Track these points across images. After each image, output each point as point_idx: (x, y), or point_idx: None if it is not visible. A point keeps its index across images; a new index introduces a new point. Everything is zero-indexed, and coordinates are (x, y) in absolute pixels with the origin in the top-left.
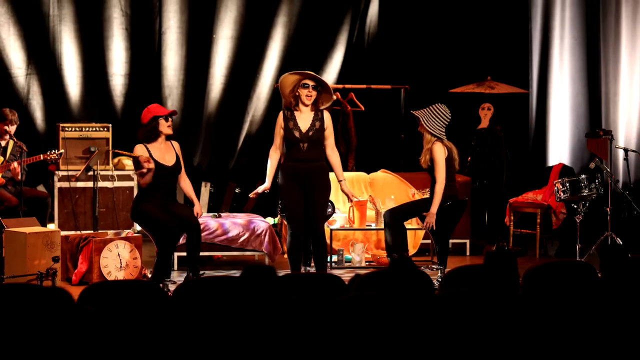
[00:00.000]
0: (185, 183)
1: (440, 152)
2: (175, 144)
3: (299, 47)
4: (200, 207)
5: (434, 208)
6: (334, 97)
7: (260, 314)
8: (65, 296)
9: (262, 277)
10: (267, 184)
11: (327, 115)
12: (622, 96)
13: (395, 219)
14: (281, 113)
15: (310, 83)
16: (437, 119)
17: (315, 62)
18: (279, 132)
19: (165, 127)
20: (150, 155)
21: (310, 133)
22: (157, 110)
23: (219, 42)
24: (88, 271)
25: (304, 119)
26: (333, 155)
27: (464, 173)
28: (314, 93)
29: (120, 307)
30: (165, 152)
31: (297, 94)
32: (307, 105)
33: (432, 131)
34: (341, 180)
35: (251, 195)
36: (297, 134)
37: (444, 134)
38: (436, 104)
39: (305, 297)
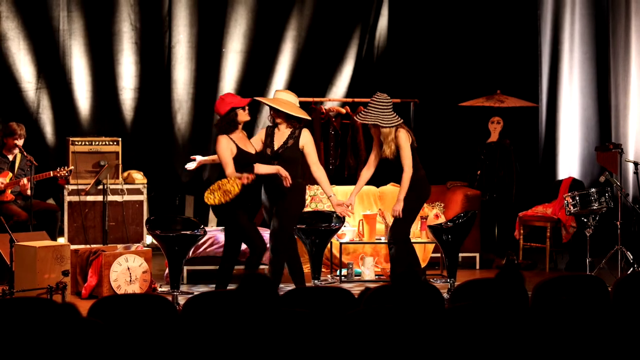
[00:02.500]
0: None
1: (405, 138)
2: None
3: (309, 61)
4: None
5: (402, 195)
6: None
7: (268, 325)
8: (73, 310)
9: (259, 287)
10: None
11: (304, 134)
12: (632, 109)
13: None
14: (264, 129)
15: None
16: (384, 110)
17: (325, 76)
18: (257, 141)
19: (244, 116)
20: (237, 146)
21: (281, 150)
22: (233, 101)
23: (229, 56)
24: (98, 285)
25: (280, 136)
26: (318, 171)
27: (473, 186)
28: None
29: (130, 321)
30: (245, 140)
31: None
32: (285, 123)
33: (389, 124)
34: (330, 196)
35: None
36: (268, 151)
37: (399, 119)
38: (373, 97)
39: (314, 310)
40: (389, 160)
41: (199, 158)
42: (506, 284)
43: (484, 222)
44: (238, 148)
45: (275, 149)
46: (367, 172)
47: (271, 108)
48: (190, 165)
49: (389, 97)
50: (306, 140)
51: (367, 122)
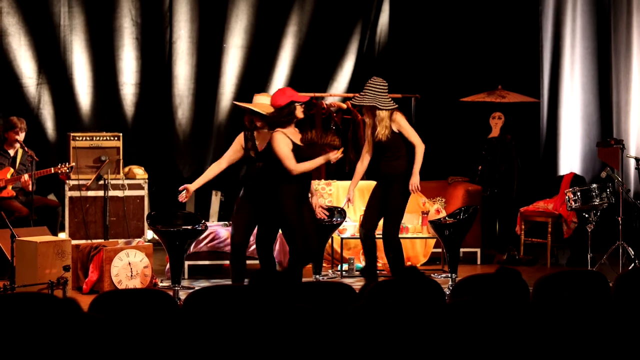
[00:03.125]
0: None
1: (404, 119)
2: None
3: (310, 56)
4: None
5: (418, 167)
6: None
7: (269, 320)
8: (74, 305)
9: (271, 281)
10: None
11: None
12: (634, 105)
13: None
14: (242, 133)
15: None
16: (381, 93)
17: (326, 71)
18: (238, 149)
19: (300, 112)
20: (292, 141)
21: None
22: (293, 95)
23: (230, 51)
24: (99, 280)
25: (262, 139)
26: None
27: (474, 182)
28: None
29: (131, 316)
30: (297, 135)
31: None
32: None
33: (386, 107)
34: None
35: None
36: (252, 153)
37: (395, 104)
38: (369, 81)
39: (315, 305)
40: (381, 144)
41: (191, 187)
42: (506, 279)
43: (485, 218)
44: (293, 143)
45: (259, 150)
46: (361, 165)
47: (251, 112)
48: (182, 197)
49: (385, 81)
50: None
51: (364, 104)
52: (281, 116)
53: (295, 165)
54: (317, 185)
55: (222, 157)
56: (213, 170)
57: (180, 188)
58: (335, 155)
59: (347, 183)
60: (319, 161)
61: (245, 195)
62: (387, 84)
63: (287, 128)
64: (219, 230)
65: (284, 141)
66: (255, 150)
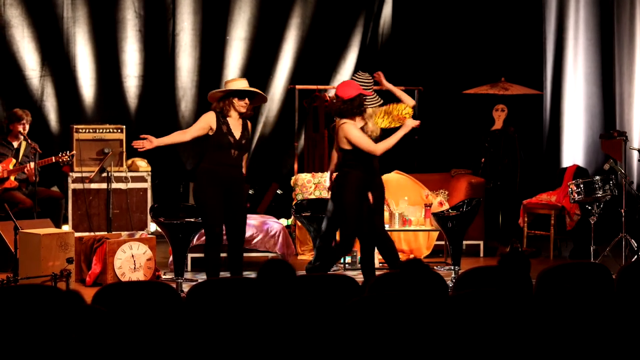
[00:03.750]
0: None
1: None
2: None
3: (313, 48)
4: None
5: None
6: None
7: (277, 311)
8: (78, 298)
9: (280, 273)
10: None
11: (250, 126)
12: (637, 97)
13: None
14: (213, 113)
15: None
16: (366, 89)
17: (329, 64)
18: (203, 127)
19: (241, 107)
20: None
21: (244, 141)
22: (360, 87)
23: (233, 43)
24: (102, 272)
25: (236, 126)
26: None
27: (477, 174)
28: (249, 102)
29: (134, 308)
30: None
31: (232, 101)
32: (240, 115)
33: (372, 104)
34: None
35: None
36: (231, 139)
37: (380, 99)
38: (354, 77)
39: (318, 298)
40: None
41: (154, 141)
42: (510, 271)
43: (488, 210)
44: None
45: (237, 138)
46: (335, 152)
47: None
48: (139, 144)
49: (370, 77)
50: (250, 129)
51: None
52: (353, 107)
53: (376, 146)
54: (319, 178)
55: (187, 131)
56: (177, 137)
57: (142, 136)
58: (414, 123)
59: None
60: (399, 134)
61: (212, 180)
62: (372, 79)
63: (354, 119)
64: None
65: (355, 128)
66: (233, 137)
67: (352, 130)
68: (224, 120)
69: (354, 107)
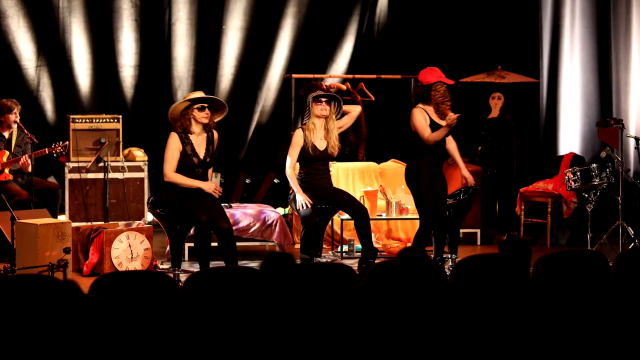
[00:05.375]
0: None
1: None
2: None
3: (309, 37)
4: None
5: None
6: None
7: (276, 299)
8: (75, 288)
9: (282, 265)
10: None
11: (216, 136)
12: (633, 85)
13: None
14: (176, 135)
15: (206, 104)
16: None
17: (325, 52)
18: (176, 152)
19: (202, 118)
20: (429, 117)
21: (208, 159)
22: (442, 76)
23: (229, 32)
24: (99, 262)
25: (200, 143)
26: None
27: (474, 162)
28: (209, 113)
29: (131, 298)
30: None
31: (191, 116)
32: (202, 127)
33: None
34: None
35: None
36: (195, 160)
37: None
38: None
39: (316, 286)
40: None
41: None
42: (510, 258)
43: (485, 198)
44: (431, 119)
45: (201, 158)
46: None
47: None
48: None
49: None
50: (218, 142)
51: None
52: (423, 93)
53: (428, 136)
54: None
55: (169, 164)
56: (184, 179)
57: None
58: (454, 116)
59: (346, 164)
60: (444, 129)
61: (180, 194)
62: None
63: (428, 106)
64: None
65: (422, 115)
66: (197, 157)
67: (416, 116)
68: (187, 140)
69: (425, 93)
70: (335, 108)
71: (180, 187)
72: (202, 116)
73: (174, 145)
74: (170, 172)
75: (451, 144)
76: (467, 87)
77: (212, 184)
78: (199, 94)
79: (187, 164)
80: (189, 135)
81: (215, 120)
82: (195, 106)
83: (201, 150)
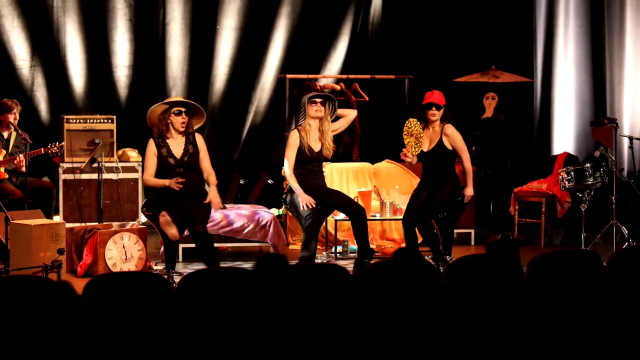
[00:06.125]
0: None
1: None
2: None
3: (303, 37)
4: None
5: None
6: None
7: (273, 303)
8: (69, 288)
9: (276, 266)
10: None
11: (199, 138)
12: (627, 84)
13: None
14: (152, 140)
15: (182, 109)
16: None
17: (319, 53)
18: (152, 158)
19: (179, 125)
20: None
21: (186, 159)
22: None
23: (223, 33)
24: (93, 263)
25: (177, 145)
26: (210, 176)
27: None
28: (187, 119)
29: (125, 299)
30: None
31: (169, 121)
32: (180, 132)
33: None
34: (211, 185)
35: None
36: (172, 161)
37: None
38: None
39: (310, 287)
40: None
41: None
42: (498, 258)
43: (479, 198)
44: None
45: (178, 158)
46: None
47: (194, 111)
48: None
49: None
50: (202, 144)
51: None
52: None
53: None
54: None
55: (149, 173)
56: (153, 181)
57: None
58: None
59: (340, 165)
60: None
61: (167, 198)
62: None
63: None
64: (213, 213)
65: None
66: (173, 157)
67: (458, 134)
68: (163, 143)
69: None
70: (330, 109)
71: (158, 190)
72: (179, 121)
73: (149, 151)
74: (146, 176)
75: (467, 167)
76: (461, 87)
77: (172, 180)
78: (178, 99)
79: (164, 166)
80: (166, 139)
81: (195, 126)
82: (172, 110)
83: (178, 151)
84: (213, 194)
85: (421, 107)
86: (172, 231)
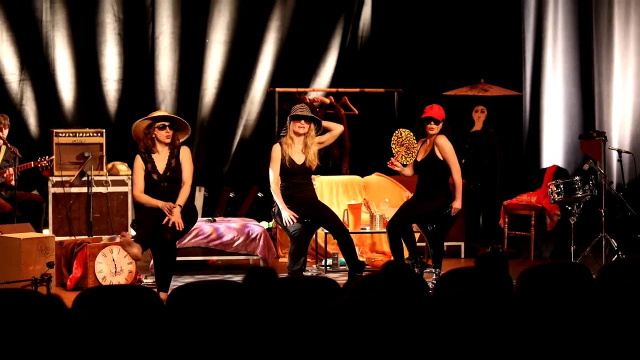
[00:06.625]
0: None
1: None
2: None
3: (292, 51)
4: None
5: None
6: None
7: (263, 316)
8: (58, 302)
9: (265, 279)
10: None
11: (184, 150)
12: (616, 97)
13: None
14: (138, 156)
15: (166, 123)
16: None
17: (309, 66)
18: (140, 173)
19: (164, 137)
20: None
21: (168, 174)
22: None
23: (212, 46)
24: (83, 276)
25: (161, 159)
26: (182, 189)
27: None
28: (171, 132)
29: (115, 313)
30: None
31: (154, 135)
32: (166, 145)
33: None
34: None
35: None
36: (155, 176)
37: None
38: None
39: (300, 300)
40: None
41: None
42: (487, 271)
43: (469, 211)
44: None
45: (161, 173)
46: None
47: (178, 125)
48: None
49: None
50: (186, 156)
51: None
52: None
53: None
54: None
55: (137, 187)
56: (144, 198)
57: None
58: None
59: (330, 178)
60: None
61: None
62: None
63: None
64: (203, 226)
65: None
66: (157, 173)
67: (451, 146)
68: (149, 158)
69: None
70: (315, 126)
71: (144, 205)
72: (164, 135)
73: (137, 166)
74: (136, 192)
75: (456, 180)
76: (450, 101)
77: (166, 204)
78: (162, 113)
79: (149, 181)
80: (152, 154)
81: (180, 139)
82: (156, 125)
83: (161, 166)
84: (175, 215)
85: (420, 121)
86: (134, 250)
